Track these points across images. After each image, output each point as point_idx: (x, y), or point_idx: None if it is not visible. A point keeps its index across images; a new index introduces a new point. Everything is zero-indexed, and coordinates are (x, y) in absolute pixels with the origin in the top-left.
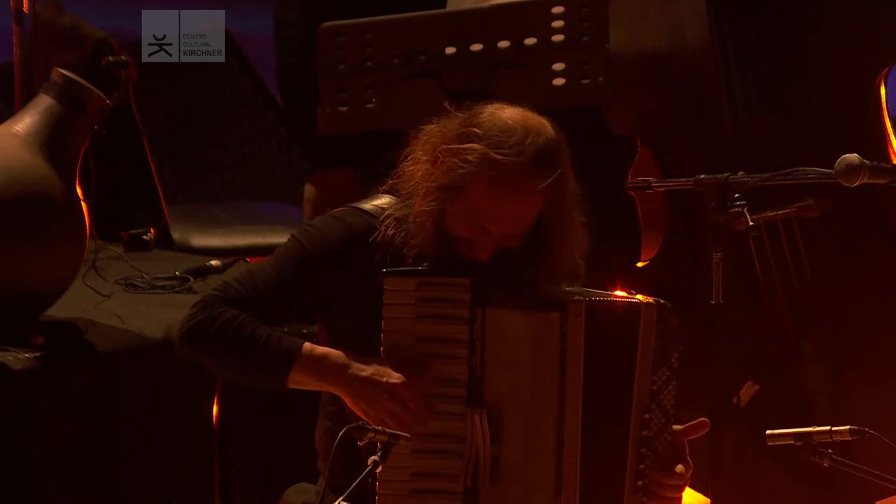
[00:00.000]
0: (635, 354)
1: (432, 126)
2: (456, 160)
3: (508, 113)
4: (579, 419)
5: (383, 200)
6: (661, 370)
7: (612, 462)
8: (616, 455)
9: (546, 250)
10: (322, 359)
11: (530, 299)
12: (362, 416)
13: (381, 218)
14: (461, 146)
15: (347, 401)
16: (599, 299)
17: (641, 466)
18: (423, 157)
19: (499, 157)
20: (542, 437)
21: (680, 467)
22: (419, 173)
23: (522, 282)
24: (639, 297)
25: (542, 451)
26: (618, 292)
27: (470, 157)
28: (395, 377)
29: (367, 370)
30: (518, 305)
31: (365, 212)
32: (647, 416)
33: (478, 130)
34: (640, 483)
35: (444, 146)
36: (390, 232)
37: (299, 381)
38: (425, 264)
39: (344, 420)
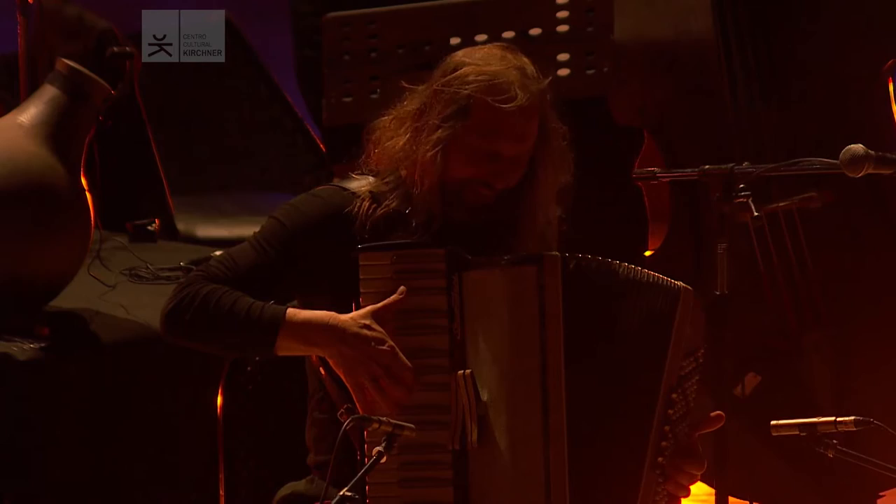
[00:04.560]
0: (671, 331)
1: (399, 106)
2: (453, 88)
3: (481, 48)
4: (562, 373)
5: (365, 180)
6: (689, 360)
7: (632, 430)
8: (639, 424)
9: (534, 186)
10: (307, 322)
11: (507, 258)
12: (343, 379)
13: (358, 192)
14: (454, 76)
15: (332, 363)
16: (584, 256)
17: (664, 444)
18: (408, 118)
19: (494, 68)
20: (526, 392)
21: (698, 457)
22: (400, 143)
23: (503, 248)
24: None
25: (527, 405)
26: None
27: (467, 79)
28: (383, 338)
29: (354, 327)
30: (495, 263)
31: (345, 189)
32: (674, 395)
33: (464, 60)
34: (659, 459)
35: (434, 87)
36: (366, 204)
37: (287, 347)
38: (413, 228)
39: (330, 407)
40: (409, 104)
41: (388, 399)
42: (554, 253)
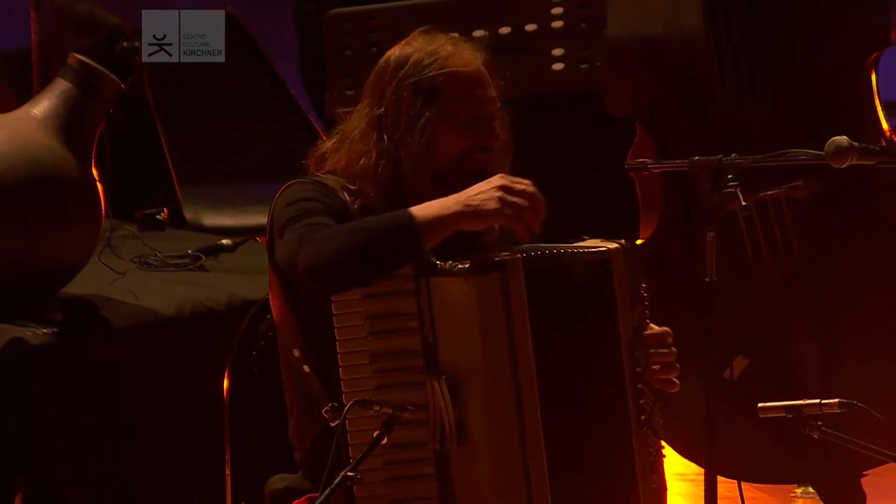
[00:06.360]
0: (615, 300)
1: (346, 123)
2: (412, 79)
3: (408, 42)
4: (533, 374)
5: (329, 178)
6: (637, 306)
7: (610, 405)
8: (614, 397)
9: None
10: (430, 204)
11: (473, 262)
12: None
13: (335, 187)
14: (407, 69)
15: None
16: (548, 253)
17: (641, 401)
18: (369, 128)
19: (436, 46)
20: (501, 395)
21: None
22: (371, 150)
23: (476, 243)
24: (602, 242)
25: (503, 408)
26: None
27: (423, 64)
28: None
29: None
30: (460, 271)
31: (322, 181)
32: (636, 353)
33: (404, 54)
34: (642, 417)
35: (393, 84)
36: (347, 196)
37: (429, 234)
38: None
39: (317, 411)
40: (358, 120)
41: (523, 213)
42: (515, 256)
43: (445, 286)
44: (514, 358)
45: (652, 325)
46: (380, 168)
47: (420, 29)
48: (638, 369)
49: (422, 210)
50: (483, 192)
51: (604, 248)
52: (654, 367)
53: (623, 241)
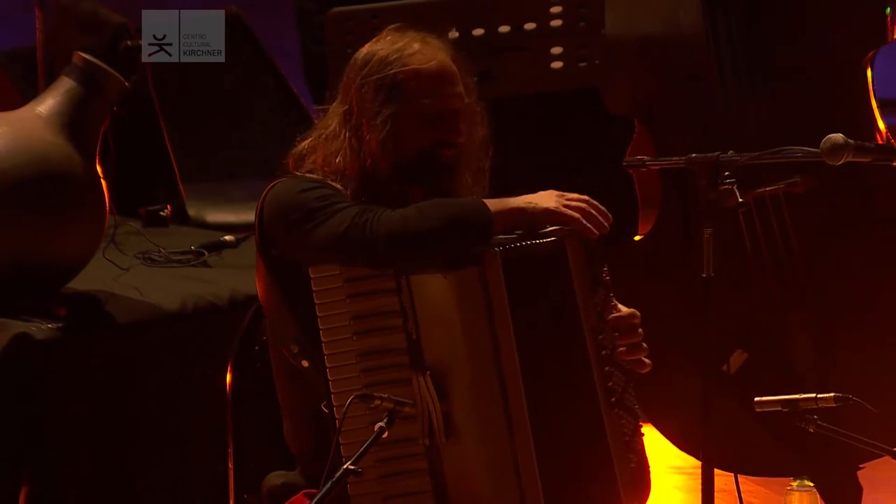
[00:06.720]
0: (572, 285)
1: (321, 123)
2: (375, 76)
3: (376, 40)
4: (516, 363)
5: (313, 175)
6: (599, 291)
7: (578, 389)
8: (582, 381)
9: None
10: (491, 199)
11: (449, 257)
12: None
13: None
14: (370, 66)
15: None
16: (516, 245)
17: (610, 384)
18: (339, 126)
19: (401, 44)
20: (486, 386)
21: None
22: (341, 146)
23: None
24: (556, 228)
25: (488, 399)
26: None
27: (387, 61)
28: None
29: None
30: (437, 267)
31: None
32: (601, 336)
33: (371, 51)
34: (612, 399)
35: (357, 81)
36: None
37: (498, 221)
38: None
39: (308, 412)
40: (332, 118)
41: (582, 211)
42: (492, 249)
43: (426, 283)
44: (496, 349)
45: (620, 306)
46: (349, 164)
47: (391, 27)
48: (604, 352)
49: (488, 201)
50: (540, 195)
51: (557, 234)
52: (621, 349)
53: None
